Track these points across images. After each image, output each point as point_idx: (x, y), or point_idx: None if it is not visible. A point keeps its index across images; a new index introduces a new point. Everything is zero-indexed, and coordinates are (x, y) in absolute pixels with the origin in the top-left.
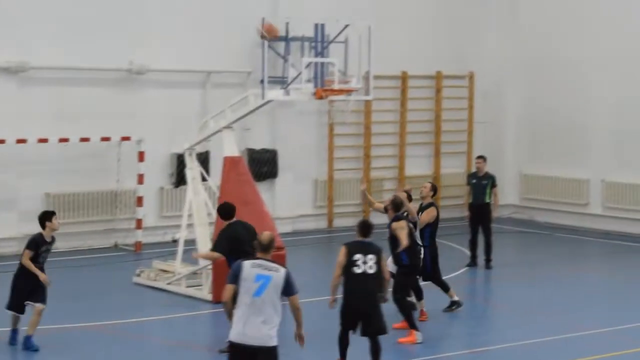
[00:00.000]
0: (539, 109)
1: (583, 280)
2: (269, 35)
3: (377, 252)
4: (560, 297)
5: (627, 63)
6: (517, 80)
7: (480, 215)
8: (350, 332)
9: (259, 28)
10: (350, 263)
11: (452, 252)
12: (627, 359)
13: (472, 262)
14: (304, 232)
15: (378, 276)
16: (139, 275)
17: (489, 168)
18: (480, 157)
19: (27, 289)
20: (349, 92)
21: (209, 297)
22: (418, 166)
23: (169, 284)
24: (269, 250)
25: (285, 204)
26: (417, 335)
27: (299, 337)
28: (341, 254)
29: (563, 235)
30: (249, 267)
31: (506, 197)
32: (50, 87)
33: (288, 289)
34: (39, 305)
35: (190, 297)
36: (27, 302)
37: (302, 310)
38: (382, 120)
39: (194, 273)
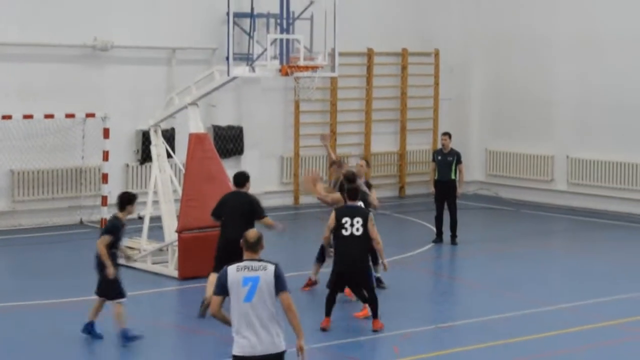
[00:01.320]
0: (504, 86)
1: (548, 256)
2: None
3: (364, 215)
4: (525, 273)
5: (592, 40)
6: (482, 57)
7: (445, 191)
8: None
9: None
10: (338, 226)
11: (418, 229)
12: (591, 334)
13: (438, 239)
14: (270, 208)
15: (364, 238)
16: None
17: (454, 145)
18: (445, 133)
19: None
20: (314, 68)
21: (175, 273)
22: (384, 143)
23: (134, 260)
24: (256, 248)
25: (251, 180)
26: (368, 309)
27: (300, 349)
28: (331, 219)
29: (528, 211)
30: (234, 272)
31: (471, 174)
32: (13, 63)
33: (277, 285)
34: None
35: (156, 273)
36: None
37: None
38: (348, 97)
39: (160, 250)
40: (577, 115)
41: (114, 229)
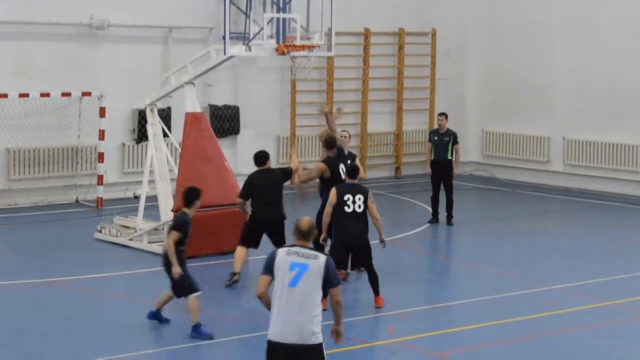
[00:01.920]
0: (501, 67)
1: (543, 236)
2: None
3: (365, 192)
4: (521, 254)
5: (590, 23)
6: (479, 38)
7: (442, 172)
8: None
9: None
10: (341, 203)
11: (414, 209)
12: (586, 315)
13: (434, 219)
14: None
15: (365, 214)
16: (100, 231)
17: (450, 125)
18: (442, 114)
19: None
20: (311, 48)
21: None
22: (380, 123)
23: (130, 239)
24: (308, 236)
25: (247, 160)
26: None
27: (336, 333)
28: (332, 195)
29: (524, 192)
30: (283, 255)
31: (468, 155)
32: (9, 42)
33: (328, 280)
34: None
35: (151, 252)
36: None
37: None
38: (345, 77)
39: (156, 229)
40: (573, 97)
41: (182, 226)
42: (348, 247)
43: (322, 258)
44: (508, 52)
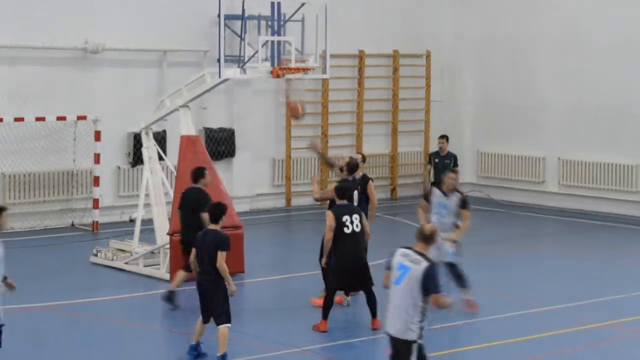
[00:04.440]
0: (495, 87)
1: (539, 257)
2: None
3: (359, 212)
4: (516, 275)
5: (581, 42)
6: (473, 59)
7: None
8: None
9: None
10: (340, 225)
11: (411, 230)
12: (581, 336)
13: None
14: (262, 211)
15: (363, 234)
16: (96, 255)
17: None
18: (443, 136)
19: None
20: (305, 70)
21: (167, 276)
22: (375, 145)
23: (126, 263)
24: (427, 241)
25: (243, 183)
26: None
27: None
28: (330, 219)
29: (519, 212)
30: (398, 255)
31: (463, 176)
32: (4, 66)
33: (425, 285)
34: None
35: (147, 276)
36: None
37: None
38: (340, 99)
39: (152, 252)
40: (567, 117)
41: (228, 244)
42: (347, 268)
43: (423, 264)
44: (502, 72)
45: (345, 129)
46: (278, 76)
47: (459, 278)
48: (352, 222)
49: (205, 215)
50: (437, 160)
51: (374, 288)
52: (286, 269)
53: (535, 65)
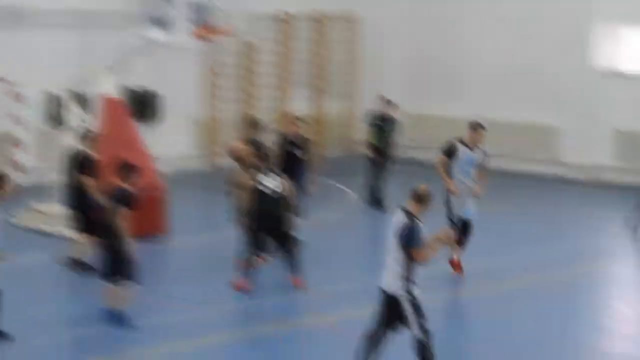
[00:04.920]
0: (423, 50)
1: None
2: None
3: (280, 173)
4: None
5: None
6: (401, 20)
7: (382, 157)
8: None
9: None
10: (259, 185)
11: (339, 193)
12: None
13: (370, 203)
14: (185, 173)
15: (285, 195)
16: (15, 217)
17: (372, 108)
18: (385, 98)
19: None
20: (230, 32)
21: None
22: (302, 107)
23: (45, 225)
24: (418, 201)
25: (167, 145)
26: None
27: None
28: (245, 180)
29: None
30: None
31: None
32: None
33: (402, 240)
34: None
35: (68, 237)
36: None
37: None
38: (265, 61)
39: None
40: (493, 78)
41: (131, 200)
42: (268, 227)
43: (403, 220)
44: (429, 34)
45: (270, 91)
46: (202, 38)
47: (464, 237)
48: (273, 183)
49: (86, 178)
50: (379, 123)
51: (299, 248)
52: (211, 229)
53: (462, 27)
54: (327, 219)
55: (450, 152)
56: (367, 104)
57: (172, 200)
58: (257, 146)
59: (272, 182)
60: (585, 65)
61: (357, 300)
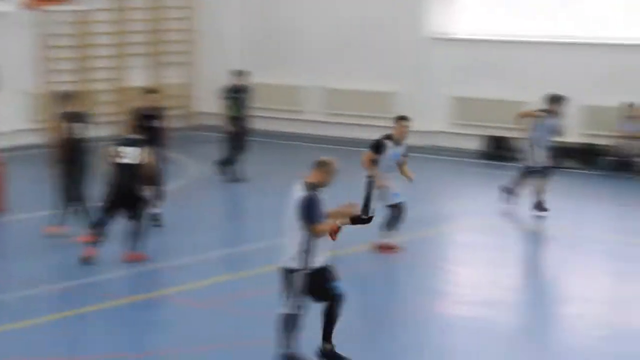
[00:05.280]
0: (263, 20)
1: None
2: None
3: (137, 144)
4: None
5: None
6: None
7: (242, 129)
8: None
9: None
10: (116, 156)
11: (177, 163)
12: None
13: (230, 176)
14: (22, 147)
15: (138, 165)
16: None
17: (216, 79)
18: (238, 71)
19: None
20: (62, 2)
21: None
22: (139, 77)
23: None
24: (319, 169)
25: (1, 118)
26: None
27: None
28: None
29: (282, 142)
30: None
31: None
32: None
33: (300, 214)
34: None
35: None
36: None
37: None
38: (100, 31)
39: None
40: (333, 46)
41: None
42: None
43: (300, 194)
44: (269, 4)
45: (106, 61)
46: (33, 8)
47: (394, 220)
48: (127, 153)
49: None
50: (235, 94)
51: (146, 221)
52: (50, 205)
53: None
54: (174, 191)
55: (377, 148)
56: (206, 74)
57: (10, 176)
58: (75, 118)
59: (130, 154)
60: (418, 32)
61: (200, 272)
